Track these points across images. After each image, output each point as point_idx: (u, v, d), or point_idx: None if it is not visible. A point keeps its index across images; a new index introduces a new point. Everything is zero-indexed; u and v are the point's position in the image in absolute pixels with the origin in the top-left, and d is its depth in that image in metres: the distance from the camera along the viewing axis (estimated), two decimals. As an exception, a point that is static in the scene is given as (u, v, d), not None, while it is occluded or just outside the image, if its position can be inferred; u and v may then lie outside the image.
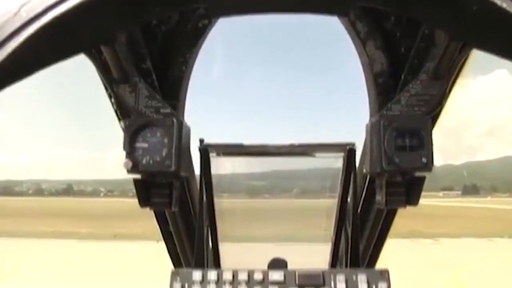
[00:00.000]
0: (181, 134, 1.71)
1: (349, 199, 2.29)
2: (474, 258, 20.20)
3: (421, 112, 1.66)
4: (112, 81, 1.65)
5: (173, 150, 1.67)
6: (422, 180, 1.76)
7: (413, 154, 1.65)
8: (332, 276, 1.70)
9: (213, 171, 2.13)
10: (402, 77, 1.71)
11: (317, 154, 2.18)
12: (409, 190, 1.80)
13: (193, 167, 2.08)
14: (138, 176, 1.75)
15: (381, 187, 1.81)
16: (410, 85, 1.64)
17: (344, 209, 2.31)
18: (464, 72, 1.73)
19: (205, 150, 1.97)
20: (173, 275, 1.73)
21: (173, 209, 1.86)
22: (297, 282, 1.70)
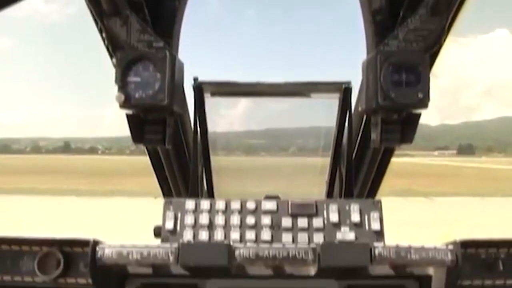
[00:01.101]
0: (174, 69, 1.67)
1: (344, 140, 2.29)
2: (466, 216, 20.48)
3: (419, 47, 1.62)
4: (102, 14, 1.60)
5: (166, 84, 1.64)
6: (417, 117, 1.74)
7: (410, 90, 1.63)
8: (325, 206, 1.71)
9: (208, 114, 2.12)
10: (401, 13, 1.66)
11: (313, 95, 2.16)
12: (404, 128, 1.79)
13: (187, 106, 2.05)
14: (131, 112, 1.74)
15: (376, 125, 1.79)
16: (409, 20, 1.60)
17: (339, 149, 2.30)
18: (463, 9, 1.70)
19: (199, 88, 1.94)
20: (166, 204, 1.73)
21: (166, 145, 1.85)
22: (290, 211, 1.71)
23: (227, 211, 1.72)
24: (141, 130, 1.83)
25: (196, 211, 1.72)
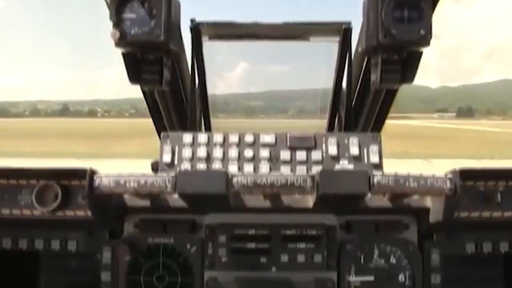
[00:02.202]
0: (170, 5, 1.63)
1: (344, 84, 2.25)
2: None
3: None
4: None
5: (162, 20, 1.60)
6: (418, 56, 1.70)
7: (411, 27, 1.59)
8: (323, 139, 1.70)
9: (205, 57, 2.07)
10: None
11: (312, 38, 2.11)
12: (404, 67, 1.75)
13: (184, 47, 2.01)
14: (127, 50, 1.71)
15: (377, 65, 1.76)
16: None
17: (339, 94, 2.27)
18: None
19: (196, 29, 1.89)
20: (164, 139, 1.72)
21: (163, 86, 1.82)
22: (288, 144, 1.69)
23: (225, 144, 1.71)
24: (138, 70, 1.80)
25: (194, 144, 1.71)
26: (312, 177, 1.41)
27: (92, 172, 1.50)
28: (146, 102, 2.22)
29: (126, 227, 1.87)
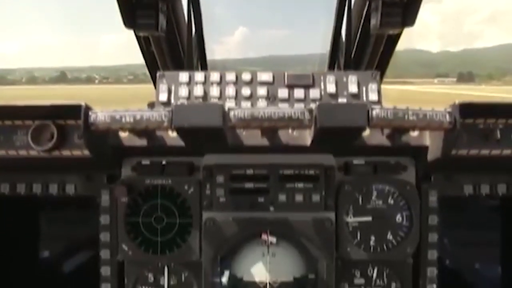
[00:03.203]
0: None
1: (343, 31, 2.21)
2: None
3: None
4: None
5: None
6: None
7: None
8: (322, 78, 1.67)
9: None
10: None
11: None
12: (405, 10, 1.71)
13: None
14: None
15: (377, 9, 1.71)
16: None
17: (338, 40, 2.23)
18: None
19: None
20: (159, 78, 1.68)
21: (159, 31, 1.77)
22: (286, 82, 1.66)
23: (221, 82, 1.68)
24: (133, 14, 1.75)
25: (190, 83, 1.68)
26: (310, 110, 1.38)
27: (87, 108, 1.48)
28: (140, 46, 2.18)
29: (124, 170, 1.86)
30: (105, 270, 1.87)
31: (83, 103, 1.48)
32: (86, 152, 1.57)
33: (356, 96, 1.65)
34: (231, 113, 1.38)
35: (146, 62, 2.24)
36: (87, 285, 1.97)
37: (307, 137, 1.63)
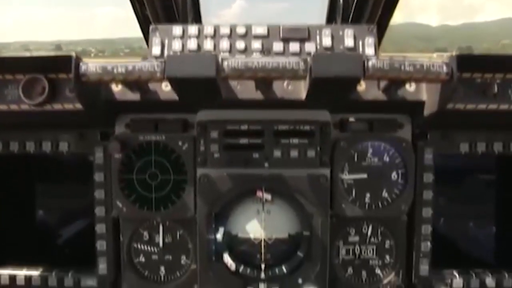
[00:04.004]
0: None
1: None
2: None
3: None
4: None
5: None
6: None
7: None
8: (317, 31, 1.63)
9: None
10: None
11: None
12: None
13: None
14: None
15: None
16: None
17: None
18: None
19: None
20: (152, 31, 1.64)
21: None
22: (281, 35, 1.63)
23: (215, 36, 1.64)
24: None
25: (184, 37, 1.64)
26: (305, 60, 1.35)
27: (78, 59, 1.45)
28: (133, 4, 2.13)
29: (117, 127, 1.84)
30: (100, 228, 1.87)
31: (73, 54, 1.45)
32: (78, 106, 1.54)
33: (352, 49, 1.61)
34: (225, 63, 1.35)
35: (138, 18, 2.19)
36: (83, 243, 1.98)
37: (302, 91, 1.60)
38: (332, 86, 1.45)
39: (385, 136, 1.81)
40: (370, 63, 1.35)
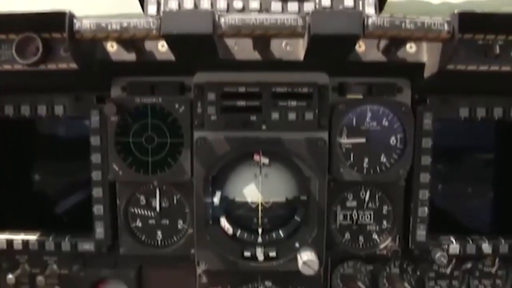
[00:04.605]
0: None
1: None
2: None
3: None
4: None
5: None
6: None
7: None
8: None
9: None
10: None
11: None
12: None
13: None
14: None
15: None
16: None
17: None
18: None
19: None
20: None
21: None
22: None
23: None
24: None
25: None
26: (304, 17, 1.32)
27: (72, 15, 1.41)
28: None
29: (113, 90, 1.81)
30: (97, 192, 1.86)
31: (67, 10, 1.41)
32: (73, 65, 1.51)
33: (352, 8, 1.58)
34: (222, 20, 1.32)
35: None
36: (80, 208, 1.97)
37: (300, 51, 1.57)
38: (331, 45, 1.42)
39: (384, 100, 1.79)
40: (370, 21, 1.32)
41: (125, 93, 1.80)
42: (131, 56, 1.63)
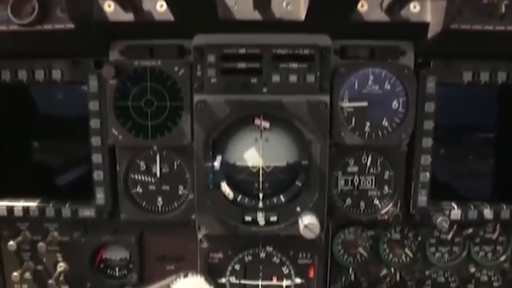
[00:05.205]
0: None
1: None
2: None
3: None
4: None
5: None
6: None
7: None
8: None
9: None
10: None
11: None
12: None
13: None
14: None
15: None
16: None
17: None
18: None
19: None
20: None
21: None
22: None
23: None
24: None
25: None
26: None
27: None
28: None
29: (112, 54, 1.78)
30: (97, 157, 1.85)
31: None
32: (70, 25, 1.48)
33: None
34: None
35: None
36: (80, 177, 1.97)
37: (301, 11, 1.54)
38: (332, 2, 1.39)
39: (387, 63, 1.76)
40: None
41: (124, 56, 1.77)
42: (128, 16, 1.59)
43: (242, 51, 1.70)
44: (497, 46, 1.65)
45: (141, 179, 1.87)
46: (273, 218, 1.78)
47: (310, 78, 1.70)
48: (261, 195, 1.79)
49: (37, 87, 2.01)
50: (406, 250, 1.98)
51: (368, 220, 1.91)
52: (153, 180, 1.87)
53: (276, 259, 1.86)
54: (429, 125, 1.80)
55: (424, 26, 1.62)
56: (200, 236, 1.84)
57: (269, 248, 1.85)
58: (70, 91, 1.99)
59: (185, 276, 1.40)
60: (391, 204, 1.88)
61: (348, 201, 1.90)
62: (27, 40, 1.59)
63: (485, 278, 2.06)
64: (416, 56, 1.79)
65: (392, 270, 2.00)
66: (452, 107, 1.95)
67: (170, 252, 1.95)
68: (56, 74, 1.81)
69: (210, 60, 1.69)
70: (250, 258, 1.86)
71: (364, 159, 1.87)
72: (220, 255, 1.87)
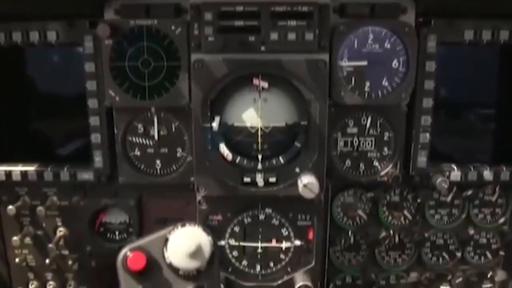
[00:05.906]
0: None
1: None
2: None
3: None
4: None
5: None
6: None
7: None
8: None
9: None
10: None
11: None
12: None
13: None
14: None
15: None
16: None
17: None
18: None
19: None
20: None
21: None
22: None
23: None
24: None
25: None
26: None
27: None
28: None
29: (107, 14, 1.75)
30: (94, 120, 1.83)
31: None
32: None
33: None
34: None
35: None
36: (77, 138, 1.95)
37: None
38: None
39: (387, 22, 1.73)
40: None
41: (119, 16, 1.74)
42: None
43: (240, 8, 1.66)
44: (499, 5, 1.62)
45: (139, 141, 1.86)
46: (272, 179, 1.78)
47: (309, 36, 1.67)
48: (260, 156, 1.78)
49: (33, 50, 1.98)
50: (405, 212, 1.98)
51: (367, 182, 1.90)
52: (151, 142, 1.86)
53: (275, 221, 1.86)
54: (429, 85, 1.78)
55: None
56: (199, 197, 1.83)
57: (268, 210, 1.85)
58: (66, 55, 1.97)
59: (183, 226, 1.39)
60: (390, 166, 1.87)
61: (348, 162, 1.89)
62: (21, 2, 1.56)
63: (484, 240, 2.06)
64: (417, 16, 1.75)
65: (391, 232, 2.01)
66: (452, 68, 1.92)
67: (169, 215, 1.95)
68: (51, 36, 1.78)
69: (207, 18, 1.66)
70: (249, 220, 1.86)
71: (364, 120, 1.85)
72: (219, 217, 1.87)
